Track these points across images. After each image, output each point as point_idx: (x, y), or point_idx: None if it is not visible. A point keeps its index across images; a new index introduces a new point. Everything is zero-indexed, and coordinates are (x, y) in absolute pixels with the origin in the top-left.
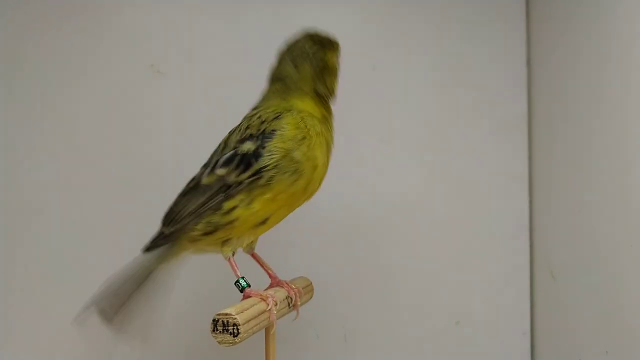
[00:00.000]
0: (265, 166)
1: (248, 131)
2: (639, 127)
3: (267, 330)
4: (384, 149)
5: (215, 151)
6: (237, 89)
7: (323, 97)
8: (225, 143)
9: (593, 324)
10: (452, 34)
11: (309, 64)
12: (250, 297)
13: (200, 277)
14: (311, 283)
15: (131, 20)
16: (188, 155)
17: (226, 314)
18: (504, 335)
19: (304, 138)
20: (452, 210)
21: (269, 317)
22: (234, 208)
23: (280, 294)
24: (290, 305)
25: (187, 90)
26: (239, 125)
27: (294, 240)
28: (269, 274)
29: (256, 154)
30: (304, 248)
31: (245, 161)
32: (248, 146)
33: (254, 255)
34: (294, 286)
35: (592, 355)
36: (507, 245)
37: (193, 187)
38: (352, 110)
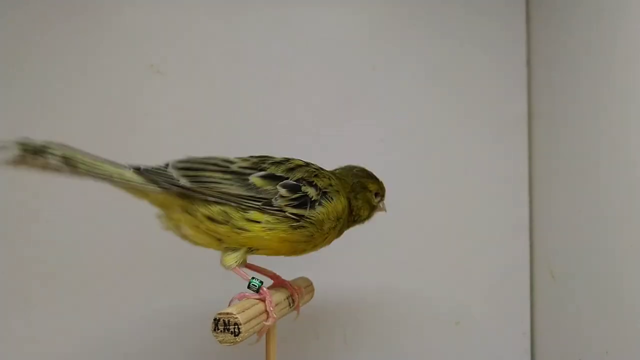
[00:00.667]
0: (309, 218)
1: (315, 180)
2: (639, 127)
3: (268, 330)
4: (384, 149)
5: (276, 163)
6: (237, 89)
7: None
8: (288, 169)
9: (593, 324)
10: (452, 34)
11: (352, 178)
12: (264, 300)
13: (200, 276)
14: (312, 283)
15: (131, 20)
16: (187, 155)
17: (227, 313)
18: (504, 335)
19: (338, 219)
20: (452, 210)
21: (260, 330)
22: (257, 222)
23: (280, 294)
24: (291, 305)
25: (187, 90)
26: (306, 165)
27: None
28: (269, 276)
29: (312, 203)
30: None
31: (303, 201)
32: (312, 192)
33: (248, 267)
34: (296, 286)
35: (592, 355)
36: (507, 245)
37: (238, 174)
38: (352, 110)
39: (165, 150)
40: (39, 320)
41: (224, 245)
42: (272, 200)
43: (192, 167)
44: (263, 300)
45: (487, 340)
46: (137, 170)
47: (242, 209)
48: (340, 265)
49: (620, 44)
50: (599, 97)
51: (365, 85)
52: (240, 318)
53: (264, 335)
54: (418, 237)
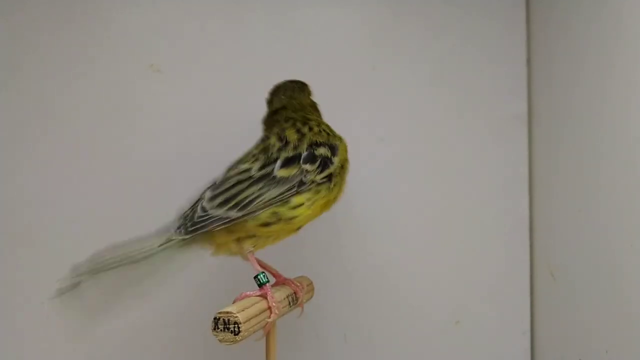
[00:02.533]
0: (334, 172)
1: (317, 138)
2: (639, 127)
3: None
4: (383, 148)
5: (278, 148)
6: (237, 89)
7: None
8: (294, 147)
9: (593, 323)
10: (452, 34)
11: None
12: (266, 296)
13: (200, 275)
14: (312, 282)
15: (131, 20)
16: (187, 155)
17: (227, 313)
18: (504, 335)
19: (345, 160)
20: (452, 210)
21: (265, 327)
22: (300, 205)
23: (281, 292)
24: (291, 304)
25: (187, 90)
26: (295, 129)
27: (294, 239)
28: (272, 273)
29: (330, 160)
30: (304, 247)
31: (324, 163)
32: (324, 151)
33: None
34: (298, 282)
35: (592, 354)
36: (507, 245)
37: (264, 177)
38: (352, 110)
39: (165, 149)
40: (37, 320)
41: (274, 240)
42: (302, 179)
43: (224, 194)
44: (265, 296)
45: (487, 339)
46: (178, 231)
47: (285, 201)
48: (340, 264)
49: (621, 44)
50: (599, 97)
51: (365, 85)
52: (240, 317)
53: (264, 335)
54: (418, 237)
